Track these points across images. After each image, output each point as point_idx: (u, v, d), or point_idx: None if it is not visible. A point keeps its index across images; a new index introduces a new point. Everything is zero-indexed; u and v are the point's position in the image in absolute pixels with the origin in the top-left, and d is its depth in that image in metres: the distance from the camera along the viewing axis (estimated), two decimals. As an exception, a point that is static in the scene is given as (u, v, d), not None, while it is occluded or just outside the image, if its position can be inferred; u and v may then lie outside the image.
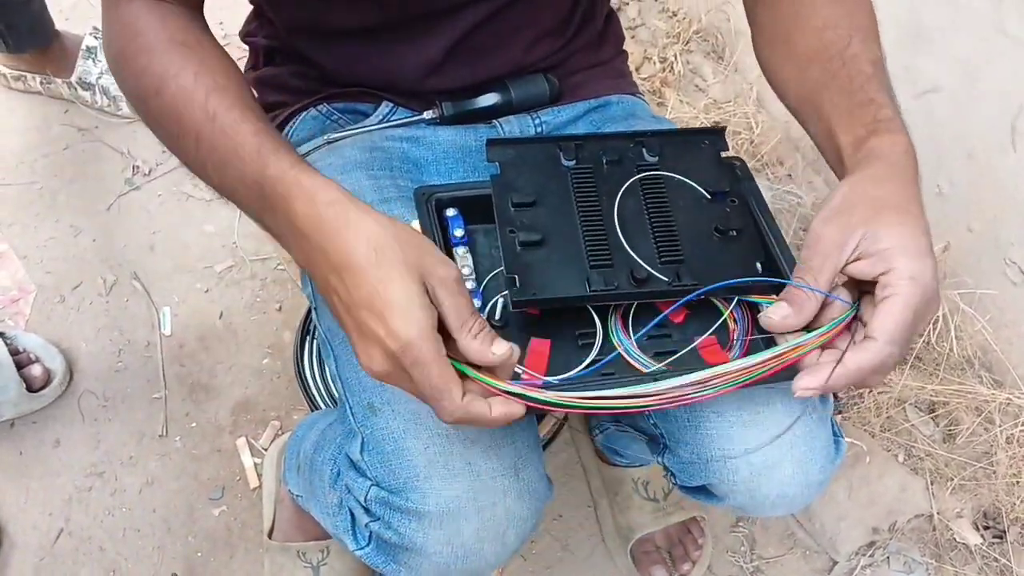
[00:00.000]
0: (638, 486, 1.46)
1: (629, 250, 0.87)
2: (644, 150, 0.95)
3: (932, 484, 1.54)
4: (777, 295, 0.89)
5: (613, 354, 0.85)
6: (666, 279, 0.86)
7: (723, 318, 0.90)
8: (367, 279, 0.68)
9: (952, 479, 1.53)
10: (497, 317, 0.89)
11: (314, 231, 0.70)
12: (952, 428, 1.58)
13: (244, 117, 0.76)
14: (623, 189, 0.91)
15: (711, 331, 0.88)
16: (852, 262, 0.76)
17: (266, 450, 1.55)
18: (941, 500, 1.53)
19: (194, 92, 0.77)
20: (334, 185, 0.72)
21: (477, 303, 0.87)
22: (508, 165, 0.91)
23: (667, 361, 0.86)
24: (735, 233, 0.91)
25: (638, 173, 0.93)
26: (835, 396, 1.56)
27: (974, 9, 1.40)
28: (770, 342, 0.88)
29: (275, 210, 0.73)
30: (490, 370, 0.71)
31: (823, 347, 0.77)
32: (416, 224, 0.91)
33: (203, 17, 0.88)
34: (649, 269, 0.86)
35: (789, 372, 0.87)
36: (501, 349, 0.70)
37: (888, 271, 0.73)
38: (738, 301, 0.90)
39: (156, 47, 0.80)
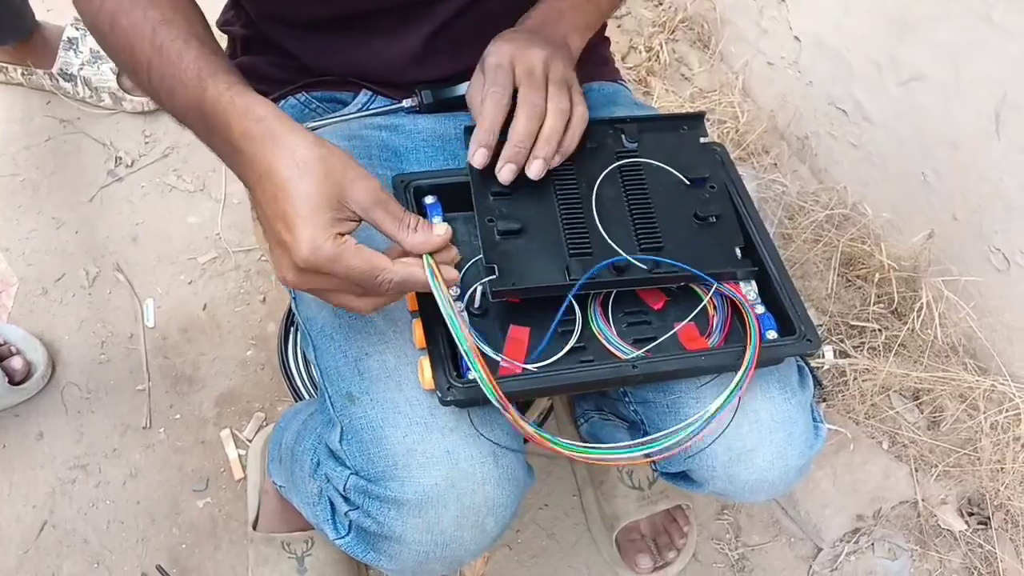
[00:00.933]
0: (623, 475, 1.46)
1: (607, 238, 0.87)
2: (623, 136, 0.94)
3: (916, 471, 1.55)
4: (750, 279, 0.90)
5: (568, 299, 0.86)
6: (645, 267, 0.86)
7: (702, 304, 0.90)
8: (285, 191, 0.72)
9: (936, 466, 1.54)
10: (476, 305, 0.89)
11: (247, 145, 0.74)
12: (936, 415, 1.58)
13: (188, 45, 0.80)
14: (602, 176, 0.91)
15: (690, 317, 0.89)
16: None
17: (250, 441, 1.54)
18: (925, 487, 1.54)
19: (143, 26, 0.81)
20: (267, 103, 0.76)
21: (456, 292, 0.87)
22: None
23: (647, 348, 0.86)
24: (714, 219, 0.91)
25: (617, 160, 0.93)
26: (819, 383, 1.56)
27: (959, -3, 1.40)
28: (745, 330, 0.88)
29: (215, 130, 0.78)
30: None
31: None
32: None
33: None
34: (628, 257, 0.86)
35: (772, 357, 0.87)
36: (440, 228, 0.76)
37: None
38: (715, 289, 0.90)
39: None
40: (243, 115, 0.75)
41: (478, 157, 0.85)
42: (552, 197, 0.89)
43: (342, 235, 0.72)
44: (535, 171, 0.85)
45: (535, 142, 0.85)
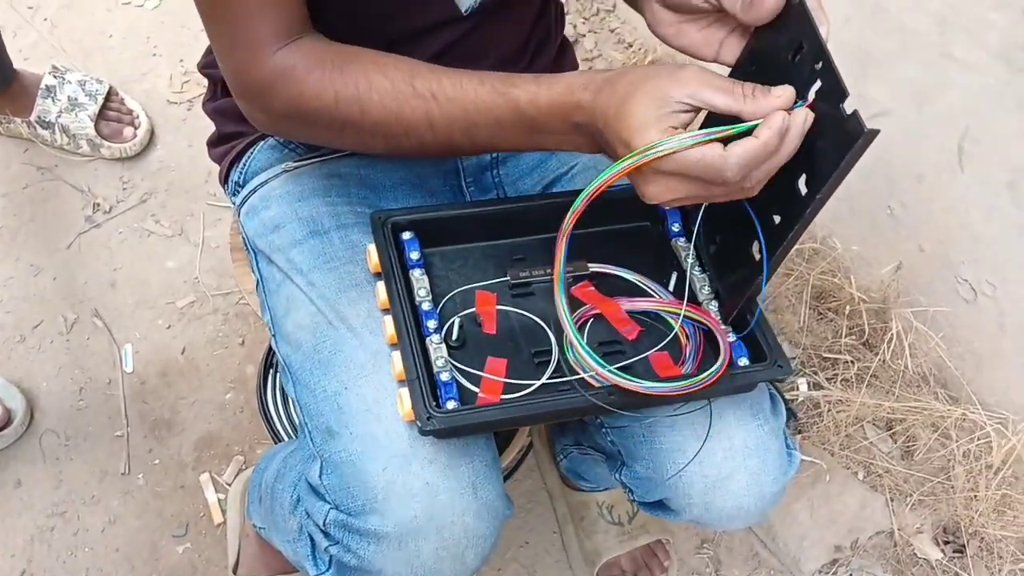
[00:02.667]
0: (603, 510, 1.47)
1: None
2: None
3: (892, 501, 1.56)
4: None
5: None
6: None
7: (674, 332, 0.92)
8: (619, 121, 0.73)
9: (911, 495, 1.56)
10: (454, 337, 0.90)
11: (584, 117, 0.77)
12: (910, 444, 1.60)
13: (453, 79, 0.81)
14: None
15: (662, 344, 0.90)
16: None
17: (230, 485, 1.54)
18: (901, 516, 1.55)
19: (396, 89, 0.82)
20: (580, 74, 0.79)
21: (433, 324, 0.88)
22: None
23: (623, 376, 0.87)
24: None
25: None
26: (793, 415, 1.58)
27: (920, 35, 1.45)
28: (718, 354, 0.89)
29: (547, 126, 0.80)
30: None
31: None
32: (373, 248, 0.92)
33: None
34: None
35: (744, 384, 0.89)
36: (779, 91, 0.73)
37: None
38: (684, 318, 0.91)
39: (332, 79, 0.83)
40: (570, 93, 0.77)
41: None
42: None
43: (675, 128, 0.72)
44: None
45: None
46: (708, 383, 0.83)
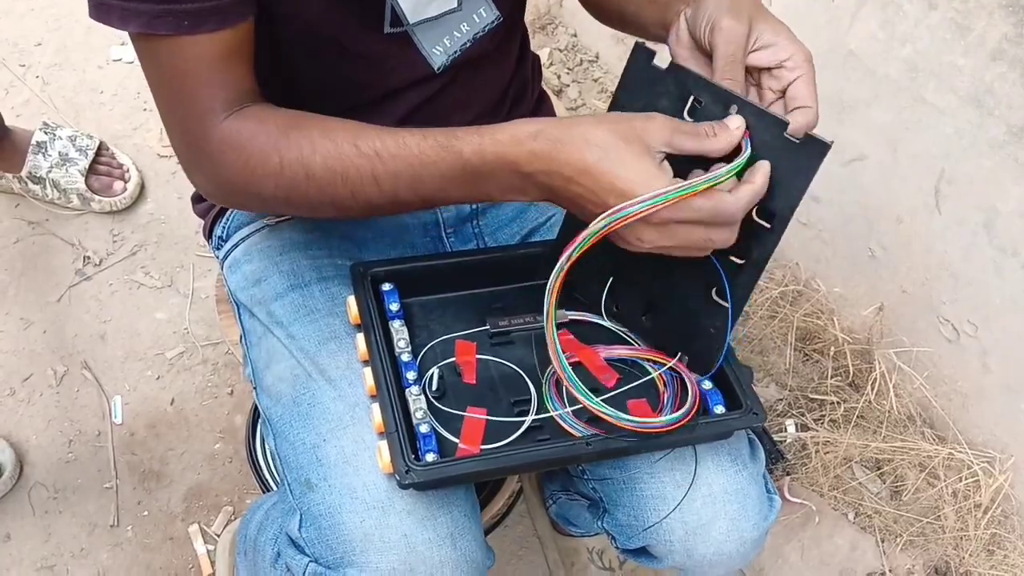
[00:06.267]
0: (593, 556, 1.47)
1: None
2: None
3: (883, 541, 1.56)
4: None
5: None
6: None
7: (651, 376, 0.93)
8: (604, 170, 0.74)
9: (901, 535, 1.55)
10: (434, 388, 0.91)
11: (539, 164, 0.76)
12: (898, 484, 1.60)
13: (396, 136, 0.81)
14: None
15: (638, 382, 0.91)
16: (752, 52, 0.83)
17: (219, 536, 1.53)
18: (892, 557, 1.55)
19: (340, 150, 0.81)
20: (525, 122, 0.78)
21: (413, 375, 0.89)
22: None
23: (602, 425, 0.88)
24: None
25: None
26: (782, 456, 1.58)
27: (893, 80, 1.47)
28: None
29: (494, 175, 0.79)
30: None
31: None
32: (353, 300, 0.94)
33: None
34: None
35: (721, 431, 0.90)
36: (732, 122, 0.76)
37: (790, 56, 0.82)
38: (670, 367, 0.92)
39: (277, 144, 0.82)
40: (518, 143, 0.77)
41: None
42: None
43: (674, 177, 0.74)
44: None
45: None
46: (680, 423, 0.84)
